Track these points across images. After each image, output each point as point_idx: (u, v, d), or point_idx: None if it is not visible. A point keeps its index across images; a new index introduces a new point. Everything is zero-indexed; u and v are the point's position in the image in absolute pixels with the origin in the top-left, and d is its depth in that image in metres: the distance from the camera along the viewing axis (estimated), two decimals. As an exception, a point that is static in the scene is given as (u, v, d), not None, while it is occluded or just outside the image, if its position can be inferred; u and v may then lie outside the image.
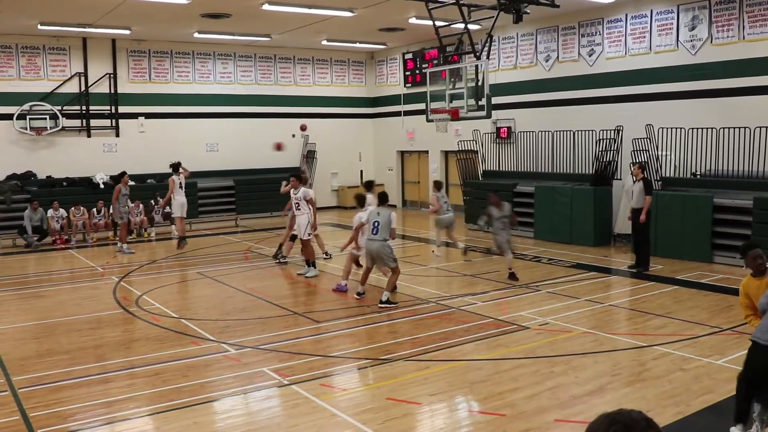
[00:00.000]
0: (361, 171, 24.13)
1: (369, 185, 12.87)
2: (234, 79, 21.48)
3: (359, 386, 6.74)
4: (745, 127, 12.85)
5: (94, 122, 19.33)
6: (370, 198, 11.65)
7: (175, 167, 14.77)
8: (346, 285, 10.66)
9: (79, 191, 18.03)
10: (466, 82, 12.65)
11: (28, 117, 18.17)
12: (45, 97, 18.48)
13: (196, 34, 18.97)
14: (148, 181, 19.57)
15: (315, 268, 12.07)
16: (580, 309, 9.41)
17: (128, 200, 15.54)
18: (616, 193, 14.76)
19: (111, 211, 16.57)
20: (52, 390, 6.60)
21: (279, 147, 18.90)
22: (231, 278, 12.11)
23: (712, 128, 13.40)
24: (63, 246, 16.29)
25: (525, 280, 11.34)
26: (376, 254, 9.69)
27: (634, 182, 12.33)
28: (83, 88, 19.06)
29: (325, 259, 13.61)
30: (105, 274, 12.70)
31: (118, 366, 7.32)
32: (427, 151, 22.15)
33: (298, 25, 17.87)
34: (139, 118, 19.98)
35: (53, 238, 16.60)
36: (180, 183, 14.64)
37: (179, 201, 14.70)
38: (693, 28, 14.14)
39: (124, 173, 15.42)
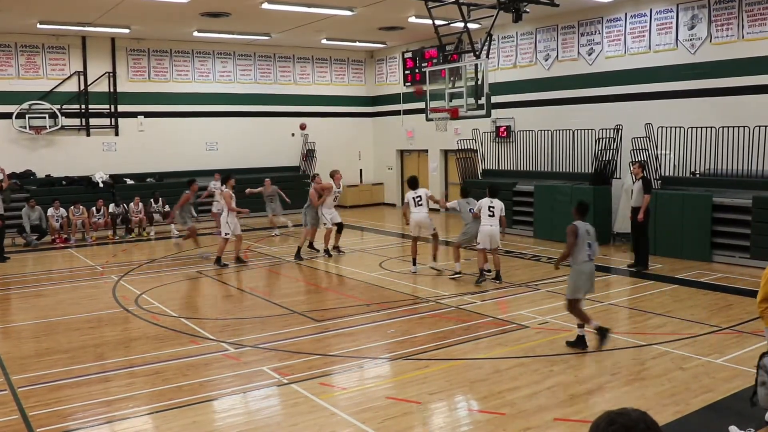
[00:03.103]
0: (361, 170, 24.14)
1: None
2: (233, 78, 21.48)
3: (359, 385, 6.74)
4: (744, 126, 12.86)
5: (93, 121, 19.32)
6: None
7: (225, 178, 13.29)
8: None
9: (79, 190, 18.04)
10: (465, 81, 12.63)
11: (27, 116, 18.17)
12: (44, 96, 18.47)
13: (195, 33, 18.96)
14: (148, 180, 19.57)
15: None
16: (579, 308, 9.40)
17: (192, 208, 14.90)
18: (616, 192, 14.76)
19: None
20: (52, 389, 6.60)
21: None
22: (231, 277, 12.12)
23: (711, 127, 13.40)
24: (62, 245, 16.29)
25: (524, 279, 11.34)
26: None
27: (634, 181, 12.33)
28: (83, 87, 19.05)
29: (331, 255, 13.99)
30: (104, 273, 12.70)
31: (117, 365, 7.32)
32: (426, 150, 22.15)
33: (298, 24, 17.86)
34: (139, 117, 19.98)
35: (52, 237, 16.58)
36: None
37: (234, 218, 12.92)
38: (692, 27, 14.15)
39: (193, 180, 14.78)
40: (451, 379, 6.73)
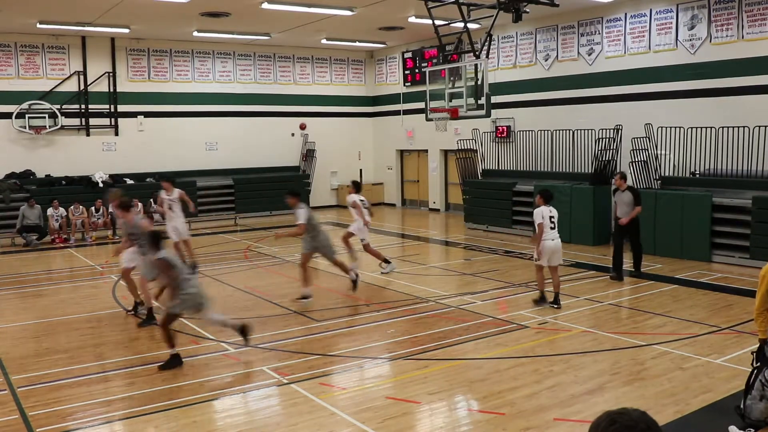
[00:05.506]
0: (361, 170, 24.13)
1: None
2: (233, 78, 21.47)
3: (359, 385, 6.74)
4: (743, 126, 12.87)
5: (93, 121, 19.31)
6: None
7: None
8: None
9: (78, 190, 18.02)
10: (465, 81, 12.63)
11: (27, 116, 18.16)
12: (44, 95, 18.47)
13: (195, 33, 18.95)
14: (147, 180, 19.56)
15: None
16: (579, 308, 9.41)
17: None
18: (616, 192, 14.77)
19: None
20: (52, 389, 6.60)
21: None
22: (230, 277, 12.11)
23: (711, 127, 13.41)
24: (62, 245, 16.28)
25: (524, 279, 11.33)
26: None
27: (615, 191, 11.66)
28: (82, 87, 19.04)
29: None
30: (104, 273, 12.70)
31: (117, 365, 7.33)
32: (426, 150, 22.15)
33: (298, 23, 17.86)
34: (139, 116, 19.97)
35: (52, 237, 16.58)
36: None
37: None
38: (692, 28, 14.15)
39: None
40: (451, 379, 6.73)
